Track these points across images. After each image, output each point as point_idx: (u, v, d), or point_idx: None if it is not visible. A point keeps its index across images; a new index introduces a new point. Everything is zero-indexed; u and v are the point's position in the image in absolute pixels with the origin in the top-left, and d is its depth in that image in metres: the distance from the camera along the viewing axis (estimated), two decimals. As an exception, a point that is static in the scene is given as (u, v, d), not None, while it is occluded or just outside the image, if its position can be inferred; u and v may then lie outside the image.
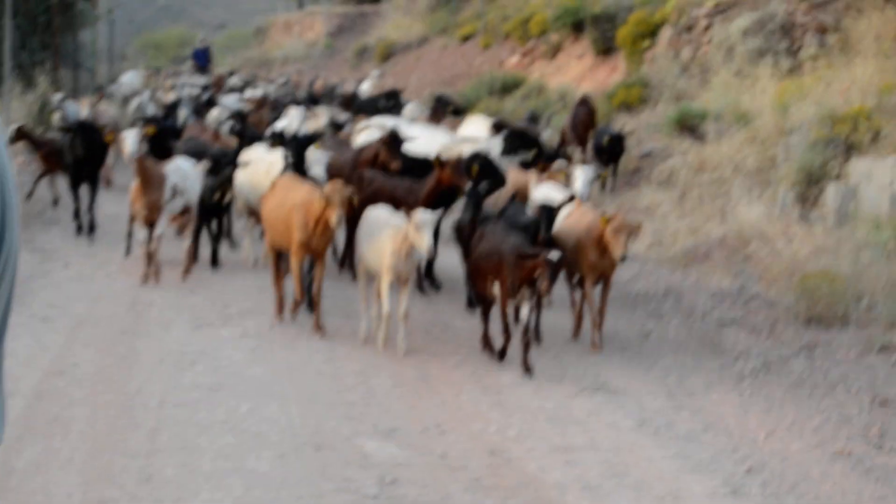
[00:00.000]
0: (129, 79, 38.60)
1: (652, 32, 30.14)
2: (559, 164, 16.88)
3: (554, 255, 11.83)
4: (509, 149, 18.52)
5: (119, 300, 15.39)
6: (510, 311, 12.83)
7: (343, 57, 54.03)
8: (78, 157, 19.39)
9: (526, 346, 12.38)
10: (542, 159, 17.57)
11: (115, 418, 10.64)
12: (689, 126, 24.04)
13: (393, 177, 16.12)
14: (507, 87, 35.39)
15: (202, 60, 46.96)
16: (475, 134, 19.36)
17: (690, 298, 15.73)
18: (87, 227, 19.77)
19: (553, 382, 12.20)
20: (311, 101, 31.40)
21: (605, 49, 32.95)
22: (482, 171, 15.71)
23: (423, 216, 12.64)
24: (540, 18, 37.68)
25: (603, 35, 32.94)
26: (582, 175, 15.26)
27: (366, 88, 37.75)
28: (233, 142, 20.29)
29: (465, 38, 44.54)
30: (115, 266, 17.45)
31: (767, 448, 10.23)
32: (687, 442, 10.38)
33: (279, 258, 14.63)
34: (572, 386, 11.96)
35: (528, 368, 12.30)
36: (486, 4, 45.88)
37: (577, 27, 35.06)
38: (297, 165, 15.77)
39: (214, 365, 12.46)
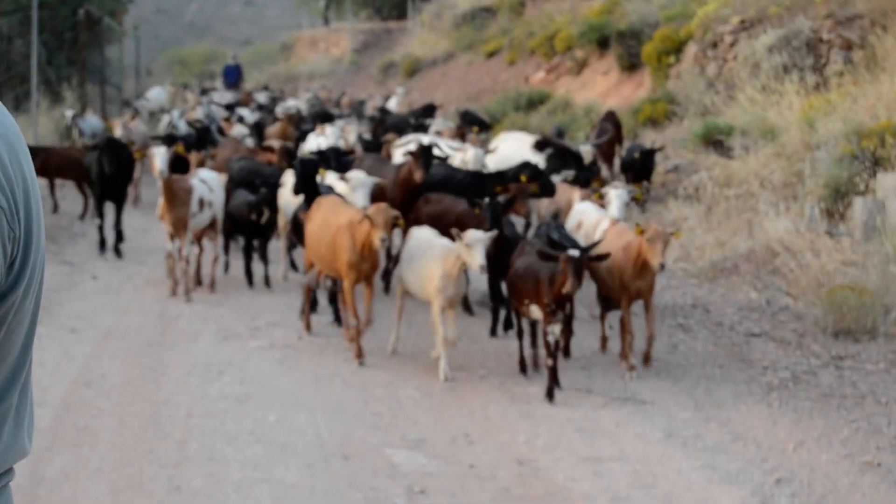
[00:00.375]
0: (156, 94, 38.66)
1: (677, 49, 30.14)
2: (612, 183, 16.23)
3: (574, 252, 11.51)
4: (552, 167, 18.01)
5: (146, 312, 15.43)
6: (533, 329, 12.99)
7: (368, 73, 54.20)
8: (104, 174, 18.99)
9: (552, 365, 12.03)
10: (584, 177, 17.33)
11: (144, 429, 10.66)
12: (715, 141, 24.01)
13: (458, 199, 15.36)
14: (533, 103, 35.40)
15: (232, 77, 46.79)
16: (516, 151, 18.68)
17: (718, 311, 15.69)
18: (113, 243, 19.64)
19: (581, 393, 12.18)
20: (325, 117, 31.02)
21: (631, 65, 32.98)
22: (531, 179, 15.49)
23: (476, 234, 12.29)
24: (565, 35, 37.71)
25: (628, 51, 32.97)
26: (617, 198, 14.48)
27: (392, 105, 37.19)
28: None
29: (491, 54, 44.63)
30: (142, 278, 17.50)
31: (796, 459, 10.19)
32: (715, 453, 10.35)
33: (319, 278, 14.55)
34: (600, 397, 11.94)
35: (554, 386, 11.97)
36: (512, 21, 46.01)
37: (603, 43, 35.09)
38: (306, 189, 14.77)
39: (242, 376, 12.48)
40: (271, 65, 66.08)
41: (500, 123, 33.49)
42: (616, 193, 14.47)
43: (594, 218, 14.59)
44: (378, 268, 13.29)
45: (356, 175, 15.10)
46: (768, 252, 17.44)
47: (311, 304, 15.05)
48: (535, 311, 12.15)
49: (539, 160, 17.83)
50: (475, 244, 12.13)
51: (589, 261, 11.89)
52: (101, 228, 19.70)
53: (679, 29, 30.38)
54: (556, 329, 11.87)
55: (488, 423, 11.06)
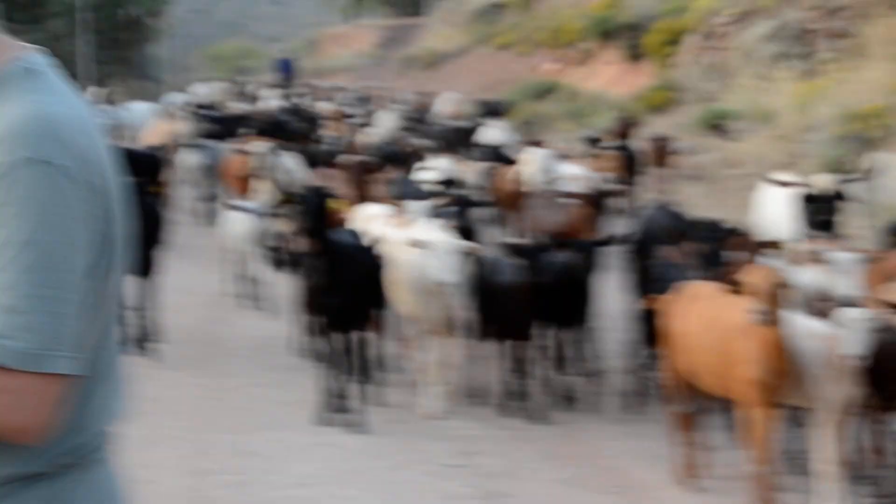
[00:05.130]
0: (202, 90, 37.62)
1: (677, 39, 30.21)
2: None
3: None
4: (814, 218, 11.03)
5: (201, 293, 15.35)
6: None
7: (390, 66, 54.02)
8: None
9: None
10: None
11: (207, 399, 10.76)
12: (714, 125, 24.09)
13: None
14: (543, 92, 35.46)
15: (284, 72, 44.46)
16: (777, 206, 12.44)
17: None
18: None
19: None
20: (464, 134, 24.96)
21: (634, 55, 32.99)
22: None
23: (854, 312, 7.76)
24: (572, 28, 37.72)
25: (631, 42, 33.01)
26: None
27: (441, 109, 31.38)
28: None
29: (503, 47, 44.56)
30: (193, 258, 17.28)
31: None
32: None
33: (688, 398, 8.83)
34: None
35: None
36: (522, 15, 45.90)
37: (607, 35, 35.09)
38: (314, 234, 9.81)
39: (294, 347, 12.44)
40: (299, 60, 65.93)
41: (513, 112, 33.53)
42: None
43: None
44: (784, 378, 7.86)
45: (438, 237, 10.31)
46: (769, 227, 17.48)
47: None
48: None
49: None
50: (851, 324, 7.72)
51: None
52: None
53: (678, 21, 30.44)
54: None
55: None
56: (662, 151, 20.99)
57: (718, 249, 9.99)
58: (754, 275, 7.81)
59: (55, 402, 2.39)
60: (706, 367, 8.31)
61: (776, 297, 7.66)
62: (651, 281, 10.03)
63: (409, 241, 10.18)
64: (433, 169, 15.69)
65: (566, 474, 8.94)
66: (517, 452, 9.42)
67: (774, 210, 12.48)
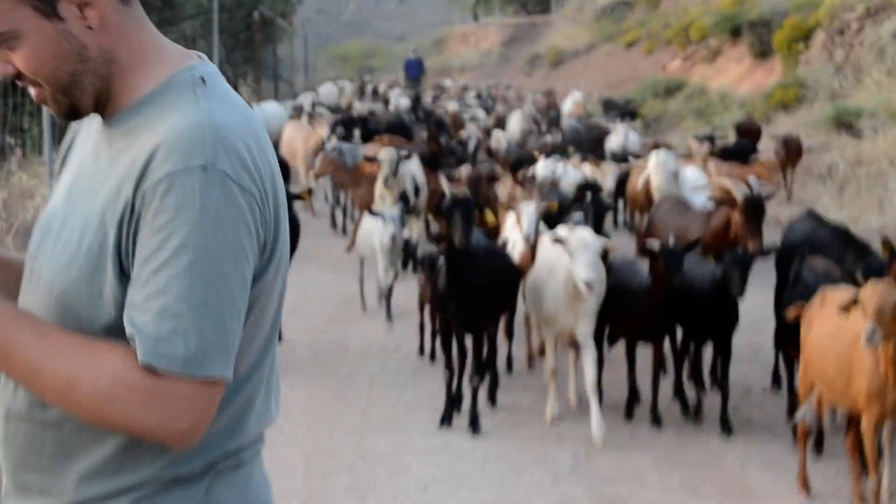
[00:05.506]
0: (328, 91, 37.79)
1: (806, 36, 29.86)
2: None
3: None
4: None
5: (327, 295, 15.44)
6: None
7: (515, 65, 54.08)
8: None
9: None
10: None
11: (328, 400, 10.81)
12: (844, 123, 23.72)
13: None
14: (670, 90, 35.25)
15: (414, 72, 43.92)
16: None
17: (854, 285, 15.47)
18: None
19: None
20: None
21: (762, 52, 32.71)
22: None
23: None
24: (700, 25, 37.50)
25: (759, 39, 32.73)
26: None
27: (567, 110, 31.37)
28: None
29: (630, 45, 44.46)
30: (320, 260, 17.40)
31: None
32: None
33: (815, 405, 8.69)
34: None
35: None
36: (649, 12, 45.73)
37: (735, 32, 34.85)
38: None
39: (416, 350, 12.49)
40: (425, 58, 66.24)
41: (639, 111, 33.38)
42: None
43: None
44: None
45: (579, 236, 9.70)
46: (900, 227, 17.19)
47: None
48: None
49: None
50: None
51: None
52: None
53: (807, 17, 30.09)
54: None
55: (645, 396, 10.96)
56: (792, 151, 20.76)
57: (872, 261, 9.66)
58: (868, 292, 7.42)
59: (209, 406, 2.41)
60: (828, 376, 8.01)
61: (889, 315, 7.30)
62: (795, 290, 9.74)
63: (550, 238, 10.02)
64: (545, 169, 15.71)
65: (686, 479, 8.86)
66: (637, 456, 9.37)
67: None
